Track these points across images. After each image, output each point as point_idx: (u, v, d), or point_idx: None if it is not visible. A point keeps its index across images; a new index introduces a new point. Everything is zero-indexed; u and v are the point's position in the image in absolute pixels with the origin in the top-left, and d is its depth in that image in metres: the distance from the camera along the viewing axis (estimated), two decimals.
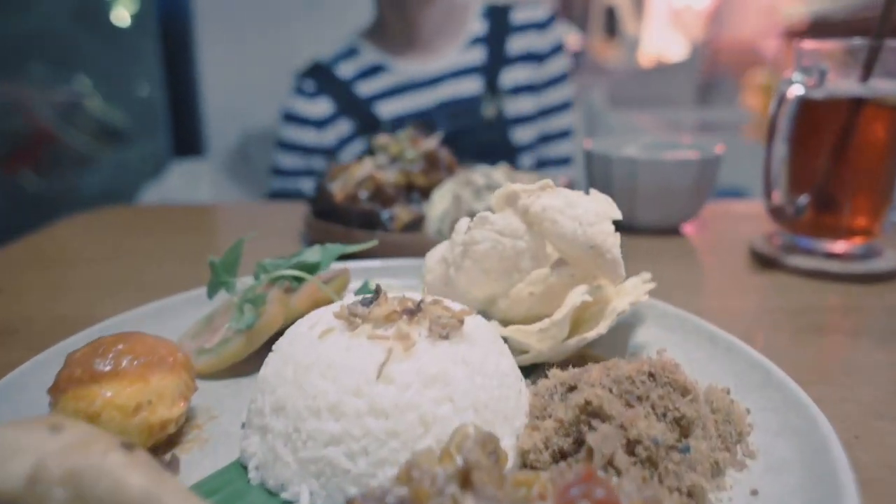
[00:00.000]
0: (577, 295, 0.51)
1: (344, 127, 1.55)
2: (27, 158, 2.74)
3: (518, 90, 1.56)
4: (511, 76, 1.55)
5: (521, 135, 1.58)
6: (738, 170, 2.50)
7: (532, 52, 1.57)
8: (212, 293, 0.59)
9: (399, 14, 1.51)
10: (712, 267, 0.94)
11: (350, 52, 1.60)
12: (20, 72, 2.62)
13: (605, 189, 1.08)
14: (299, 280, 0.61)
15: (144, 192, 2.08)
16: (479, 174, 1.01)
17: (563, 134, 1.67)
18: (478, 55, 1.55)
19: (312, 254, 0.63)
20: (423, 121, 1.50)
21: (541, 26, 1.58)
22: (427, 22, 1.53)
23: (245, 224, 1.20)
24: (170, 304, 0.64)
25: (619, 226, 1.09)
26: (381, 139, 1.06)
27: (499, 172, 1.01)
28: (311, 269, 0.62)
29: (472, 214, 0.94)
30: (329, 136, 1.56)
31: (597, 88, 2.66)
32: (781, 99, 0.82)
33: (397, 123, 1.52)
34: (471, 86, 1.54)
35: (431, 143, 1.02)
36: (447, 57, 1.55)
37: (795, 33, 8.36)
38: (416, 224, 0.94)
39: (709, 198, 1.08)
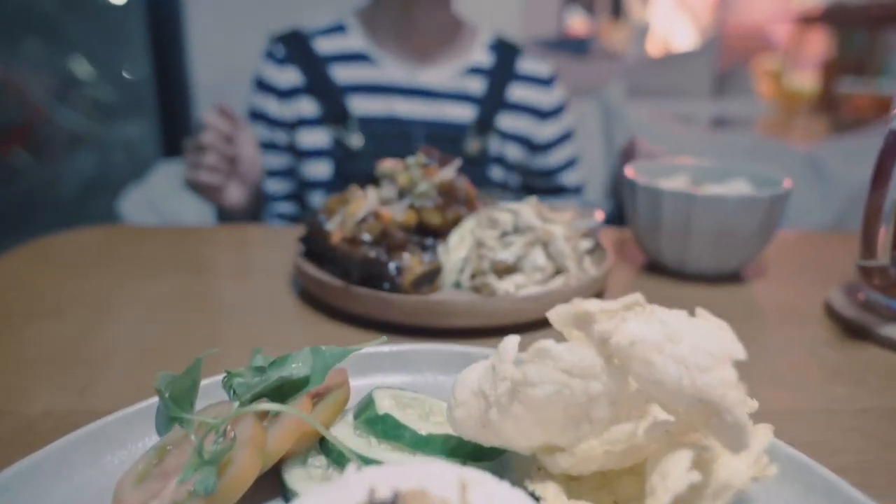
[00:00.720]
0: (681, 474, 0.35)
1: (306, 107, 1.37)
2: (20, 138, 2.61)
3: (507, 136, 1.44)
4: (506, 121, 1.43)
5: (499, 174, 1.46)
6: None
7: (533, 107, 1.45)
8: (162, 430, 0.43)
9: (399, 2, 1.35)
10: (783, 336, 0.78)
11: (336, 29, 1.42)
12: (9, 50, 2.47)
13: (651, 227, 0.91)
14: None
15: (128, 193, 1.91)
16: (505, 211, 0.84)
17: (575, 190, 1.56)
18: (477, 85, 1.41)
19: (300, 363, 0.46)
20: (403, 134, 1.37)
21: (544, 83, 1.46)
22: (426, 22, 1.36)
23: (231, 259, 1.04)
24: (108, 429, 0.47)
25: (668, 272, 0.91)
26: (387, 165, 0.89)
27: (527, 208, 0.84)
28: (299, 385, 0.46)
29: (496, 265, 0.78)
30: (286, 112, 1.39)
31: (612, 82, 2.48)
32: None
33: (365, 124, 1.37)
34: (461, 113, 1.39)
35: (448, 172, 0.85)
36: (443, 73, 1.40)
37: (809, 20, 8.13)
38: (431, 277, 0.78)
39: (772, 238, 0.91)
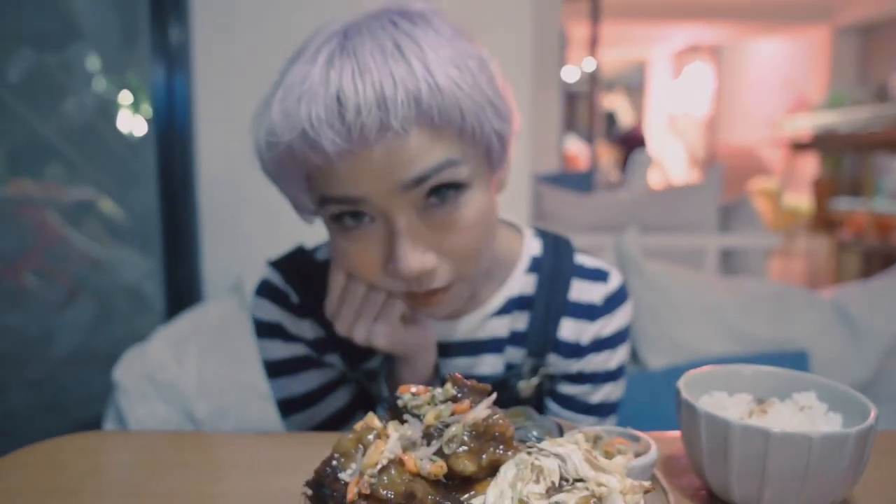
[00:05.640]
0: None
1: (328, 358, 1.10)
2: (32, 261, 2.54)
3: (560, 376, 1.12)
4: (557, 360, 1.09)
5: (555, 407, 1.15)
6: (783, 323, 2.21)
7: (576, 344, 1.08)
8: None
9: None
10: None
11: None
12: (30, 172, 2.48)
13: (717, 462, 0.78)
14: None
15: (125, 360, 1.79)
16: (550, 456, 0.72)
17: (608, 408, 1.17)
18: (521, 323, 1.07)
19: None
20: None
21: (591, 314, 1.07)
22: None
23: (221, 491, 0.90)
24: None
25: None
26: (409, 394, 0.78)
27: (576, 450, 0.72)
28: None
29: None
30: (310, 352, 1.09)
31: (628, 231, 2.42)
32: None
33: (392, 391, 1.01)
34: (496, 362, 1.07)
35: (483, 410, 0.73)
36: (472, 321, 1.04)
37: (800, 146, 8.42)
38: None
39: (863, 473, 0.78)
